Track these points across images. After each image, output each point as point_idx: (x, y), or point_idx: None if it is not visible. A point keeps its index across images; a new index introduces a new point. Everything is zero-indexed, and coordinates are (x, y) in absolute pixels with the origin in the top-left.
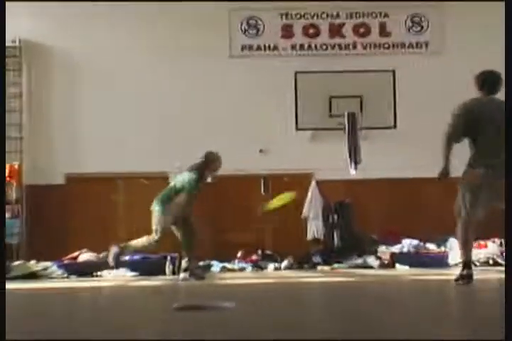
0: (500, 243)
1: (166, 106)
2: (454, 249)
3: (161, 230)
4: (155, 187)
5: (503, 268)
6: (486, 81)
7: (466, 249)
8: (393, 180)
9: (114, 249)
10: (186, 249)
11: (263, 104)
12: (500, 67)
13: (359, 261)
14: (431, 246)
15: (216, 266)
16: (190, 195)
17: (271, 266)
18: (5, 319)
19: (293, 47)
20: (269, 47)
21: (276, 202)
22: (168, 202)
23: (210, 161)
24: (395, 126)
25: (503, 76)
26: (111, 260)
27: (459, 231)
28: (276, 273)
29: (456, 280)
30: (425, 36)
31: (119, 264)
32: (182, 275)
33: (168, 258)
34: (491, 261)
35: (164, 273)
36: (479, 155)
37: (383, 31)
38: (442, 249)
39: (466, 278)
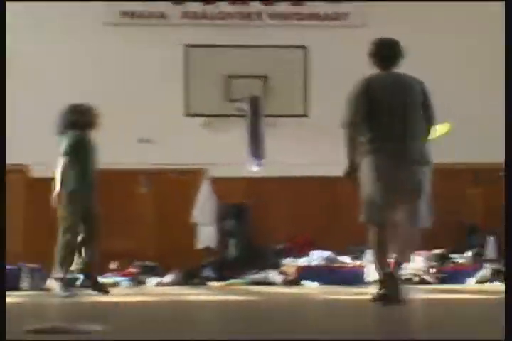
0: (428, 256)
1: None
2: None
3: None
4: None
5: (430, 287)
6: (379, 52)
7: (381, 262)
8: (303, 178)
9: None
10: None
11: (145, 84)
12: (425, 39)
13: (259, 276)
14: (345, 259)
15: (83, 279)
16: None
17: (152, 280)
18: (5, 319)
19: (184, 15)
20: (155, 14)
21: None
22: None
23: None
24: (306, 114)
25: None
26: None
27: (371, 240)
28: (159, 289)
29: (373, 300)
30: (345, 7)
31: None
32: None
33: (25, 269)
34: (415, 278)
35: (17, 288)
36: (378, 140)
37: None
38: (358, 262)
39: (383, 298)
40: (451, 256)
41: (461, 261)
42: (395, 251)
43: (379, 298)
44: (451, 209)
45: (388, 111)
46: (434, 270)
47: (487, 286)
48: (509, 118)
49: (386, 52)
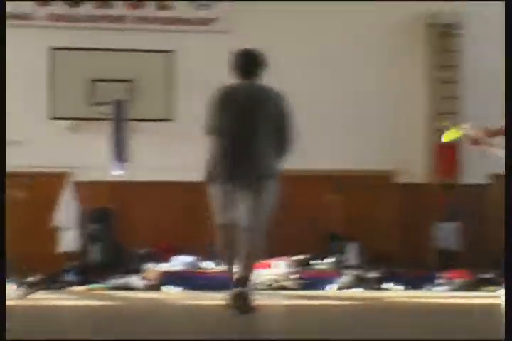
0: (290, 262)
1: None
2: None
3: None
4: None
5: (291, 293)
6: (238, 62)
7: (227, 265)
8: (168, 183)
9: None
10: None
11: (8, 85)
12: (290, 44)
13: (121, 280)
14: (210, 265)
15: None
16: None
17: (11, 285)
18: (5, 319)
19: (49, 17)
20: (20, 15)
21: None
22: None
23: None
24: (171, 118)
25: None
26: None
27: (219, 245)
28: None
29: (227, 306)
30: (213, 12)
31: None
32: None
33: None
34: (274, 284)
35: None
36: (224, 149)
37: (162, 4)
38: (221, 267)
39: (234, 304)
40: (313, 262)
41: (322, 267)
42: (241, 257)
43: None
44: (313, 216)
45: (236, 122)
46: (296, 276)
47: (348, 292)
48: (509, 119)
49: (245, 62)
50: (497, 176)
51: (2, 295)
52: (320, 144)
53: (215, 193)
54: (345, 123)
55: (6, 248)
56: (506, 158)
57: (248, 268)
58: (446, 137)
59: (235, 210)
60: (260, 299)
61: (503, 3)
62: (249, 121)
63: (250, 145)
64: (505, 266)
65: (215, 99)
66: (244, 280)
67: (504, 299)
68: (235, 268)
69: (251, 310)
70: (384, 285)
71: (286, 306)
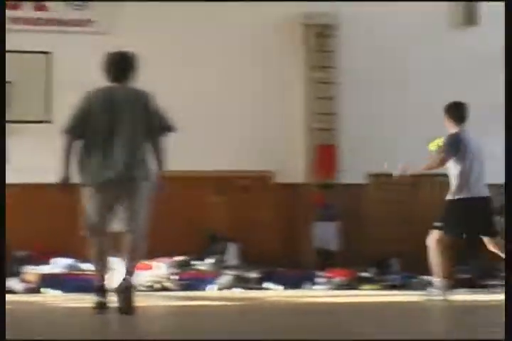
0: (170, 263)
1: None
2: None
3: None
4: None
5: (172, 294)
6: (109, 64)
7: (98, 269)
8: (47, 185)
9: None
10: None
11: None
12: (164, 45)
13: None
14: (89, 267)
15: None
16: None
17: None
18: (5, 319)
19: None
20: None
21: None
22: None
23: None
24: (49, 120)
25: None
26: None
27: (91, 252)
28: None
29: (94, 308)
30: (89, 13)
31: None
32: None
33: None
34: (155, 285)
35: None
36: (88, 153)
37: (39, 5)
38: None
39: (99, 306)
40: (193, 263)
41: (202, 268)
42: (123, 260)
43: (98, 306)
44: (193, 217)
45: (102, 125)
46: (176, 277)
47: (228, 293)
48: (509, 120)
49: (115, 65)
50: (374, 175)
51: (2, 295)
52: (200, 145)
53: (86, 196)
54: (224, 124)
55: (5, 247)
56: (506, 157)
57: (131, 271)
58: (432, 145)
59: (108, 214)
60: (141, 300)
61: (377, 4)
62: (116, 123)
63: (118, 147)
64: (505, 266)
65: (81, 101)
66: (127, 282)
67: (504, 298)
68: (111, 272)
69: (133, 311)
70: (264, 285)
71: (167, 307)
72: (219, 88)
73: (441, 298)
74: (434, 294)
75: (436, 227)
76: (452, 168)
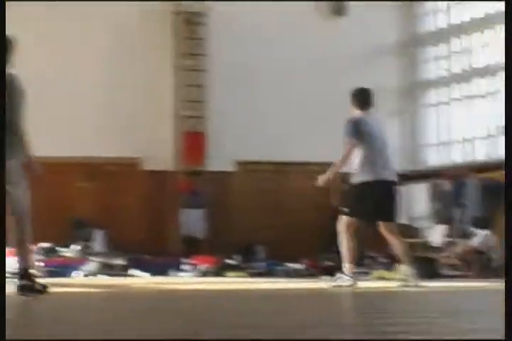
0: (37, 250)
1: None
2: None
3: None
4: None
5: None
6: None
7: (22, 253)
8: None
9: None
10: None
11: None
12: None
13: None
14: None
15: None
16: None
17: None
18: (5, 319)
19: None
20: None
21: None
22: None
23: None
24: None
25: None
26: None
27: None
28: None
29: (20, 292)
30: None
31: None
32: None
33: None
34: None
35: None
36: None
37: None
38: None
39: (28, 290)
40: (59, 249)
41: (68, 254)
42: (12, 243)
43: (24, 290)
44: (60, 203)
45: None
46: (42, 263)
47: (93, 279)
48: (509, 118)
49: None
50: (241, 163)
51: (2, 295)
52: (67, 131)
53: None
54: (93, 111)
55: (5, 246)
56: (506, 158)
57: (24, 258)
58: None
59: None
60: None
61: None
62: None
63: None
64: (505, 267)
65: None
66: (24, 270)
67: (505, 298)
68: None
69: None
70: (130, 272)
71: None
72: (88, 76)
73: (351, 283)
74: (343, 279)
75: (343, 212)
76: (347, 149)
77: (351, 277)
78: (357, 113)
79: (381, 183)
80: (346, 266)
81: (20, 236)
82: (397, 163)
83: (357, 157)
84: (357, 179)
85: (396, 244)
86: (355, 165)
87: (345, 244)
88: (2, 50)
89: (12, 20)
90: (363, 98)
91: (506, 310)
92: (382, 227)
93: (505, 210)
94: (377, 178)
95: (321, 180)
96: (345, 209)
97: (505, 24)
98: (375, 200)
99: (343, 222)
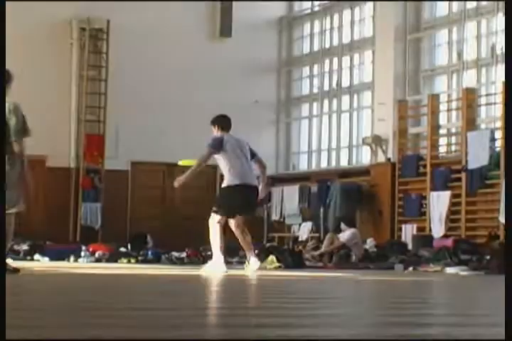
0: None
1: None
2: None
3: None
4: None
5: None
6: None
7: None
8: None
9: None
10: None
11: None
12: None
13: None
14: None
15: None
16: None
17: None
18: (5, 318)
19: None
20: None
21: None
22: None
23: None
24: None
25: None
26: None
27: None
28: None
29: None
30: None
31: None
32: None
33: None
34: None
35: None
36: None
37: None
38: None
39: None
40: None
41: None
42: None
43: None
44: None
45: None
46: None
47: None
48: (509, 117)
49: None
50: (134, 163)
51: (2, 294)
52: None
53: None
54: None
55: (5, 247)
56: (506, 158)
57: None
58: (184, 162)
59: None
60: None
61: (145, 11)
62: None
63: None
64: (505, 265)
65: None
66: None
67: (505, 298)
68: None
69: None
70: (34, 257)
71: None
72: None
73: (222, 270)
74: (213, 267)
75: (214, 211)
76: (222, 163)
77: (222, 265)
78: (219, 133)
79: (243, 187)
80: (216, 255)
81: None
82: (272, 167)
83: (225, 168)
84: (224, 184)
85: (240, 237)
86: (224, 173)
87: (214, 238)
88: (2, 50)
89: None
90: (224, 122)
91: (506, 309)
92: (234, 223)
93: (505, 210)
94: (240, 183)
95: (177, 181)
96: (215, 208)
97: (505, 24)
98: (238, 200)
99: (213, 220)
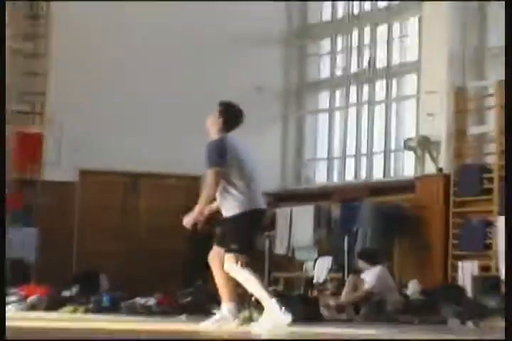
0: None
1: None
2: None
3: None
4: None
5: None
6: None
7: None
8: None
9: None
10: None
11: None
12: None
13: None
14: None
15: None
16: None
17: None
18: (5, 319)
19: None
20: None
21: None
22: None
23: None
24: None
25: None
26: None
27: None
28: None
29: None
30: None
31: None
32: None
33: None
34: None
35: None
36: None
37: None
38: None
39: None
40: None
41: None
42: None
43: None
44: None
45: None
46: None
47: None
48: (509, 119)
49: None
50: (84, 172)
51: (2, 297)
52: None
53: None
54: None
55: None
56: (506, 157)
57: None
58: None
59: None
60: None
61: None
62: None
63: None
64: (505, 266)
65: None
66: None
67: (505, 298)
68: None
69: None
70: None
71: None
72: None
73: (233, 322)
74: (223, 319)
75: (228, 250)
76: (211, 179)
77: (233, 315)
78: (219, 134)
79: (254, 213)
80: (270, 305)
81: None
82: (276, 180)
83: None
84: (239, 209)
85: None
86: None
87: (251, 284)
88: (2, 50)
89: None
90: (234, 115)
91: (506, 309)
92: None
93: (505, 211)
94: (251, 208)
95: (187, 221)
96: (233, 246)
97: (506, 24)
98: (256, 231)
99: (233, 263)
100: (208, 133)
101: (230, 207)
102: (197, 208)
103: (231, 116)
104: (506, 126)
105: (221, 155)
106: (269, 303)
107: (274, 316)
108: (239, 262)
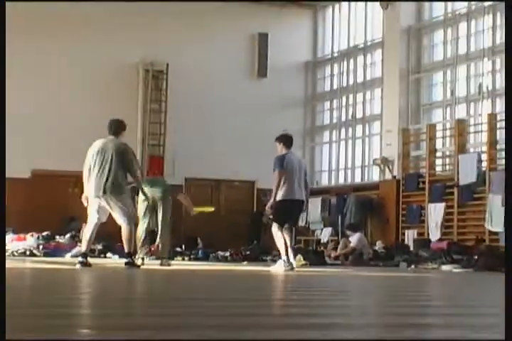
0: (38, 236)
1: None
2: None
3: None
4: None
5: (38, 259)
6: None
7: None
8: None
9: None
10: None
11: None
12: None
13: None
14: None
15: None
16: None
17: None
18: (5, 318)
19: None
20: None
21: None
22: None
23: None
24: None
25: None
26: None
27: None
28: None
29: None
30: None
31: None
32: None
33: None
34: (27, 252)
35: None
36: None
37: None
38: None
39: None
40: (55, 236)
41: (61, 240)
42: None
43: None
44: (58, 204)
45: None
46: (41, 246)
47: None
48: (509, 120)
49: None
50: (188, 179)
51: (2, 294)
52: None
53: None
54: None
55: (5, 247)
56: (506, 157)
57: None
58: (197, 210)
59: None
60: (15, 263)
61: (201, 52)
62: None
63: None
64: (505, 264)
65: None
66: None
67: (505, 298)
68: None
69: None
70: (107, 255)
71: (35, 269)
72: (79, 117)
73: (289, 268)
74: (283, 265)
75: (272, 220)
76: (276, 178)
77: (289, 264)
78: (282, 152)
79: (291, 201)
80: (284, 257)
81: None
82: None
83: (279, 183)
84: (278, 198)
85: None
86: (275, 188)
87: (278, 241)
88: (2, 50)
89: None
90: (287, 140)
91: (506, 309)
92: (275, 228)
93: (505, 211)
94: (289, 198)
95: (268, 207)
96: (272, 218)
97: (506, 24)
98: (286, 212)
99: (274, 227)
100: (277, 151)
101: (279, 195)
102: (271, 198)
103: (286, 141)
104: (506, 126)
105: (281, 163)
106: (287, 254)
107: (281, 265)
108: (277, 227)
